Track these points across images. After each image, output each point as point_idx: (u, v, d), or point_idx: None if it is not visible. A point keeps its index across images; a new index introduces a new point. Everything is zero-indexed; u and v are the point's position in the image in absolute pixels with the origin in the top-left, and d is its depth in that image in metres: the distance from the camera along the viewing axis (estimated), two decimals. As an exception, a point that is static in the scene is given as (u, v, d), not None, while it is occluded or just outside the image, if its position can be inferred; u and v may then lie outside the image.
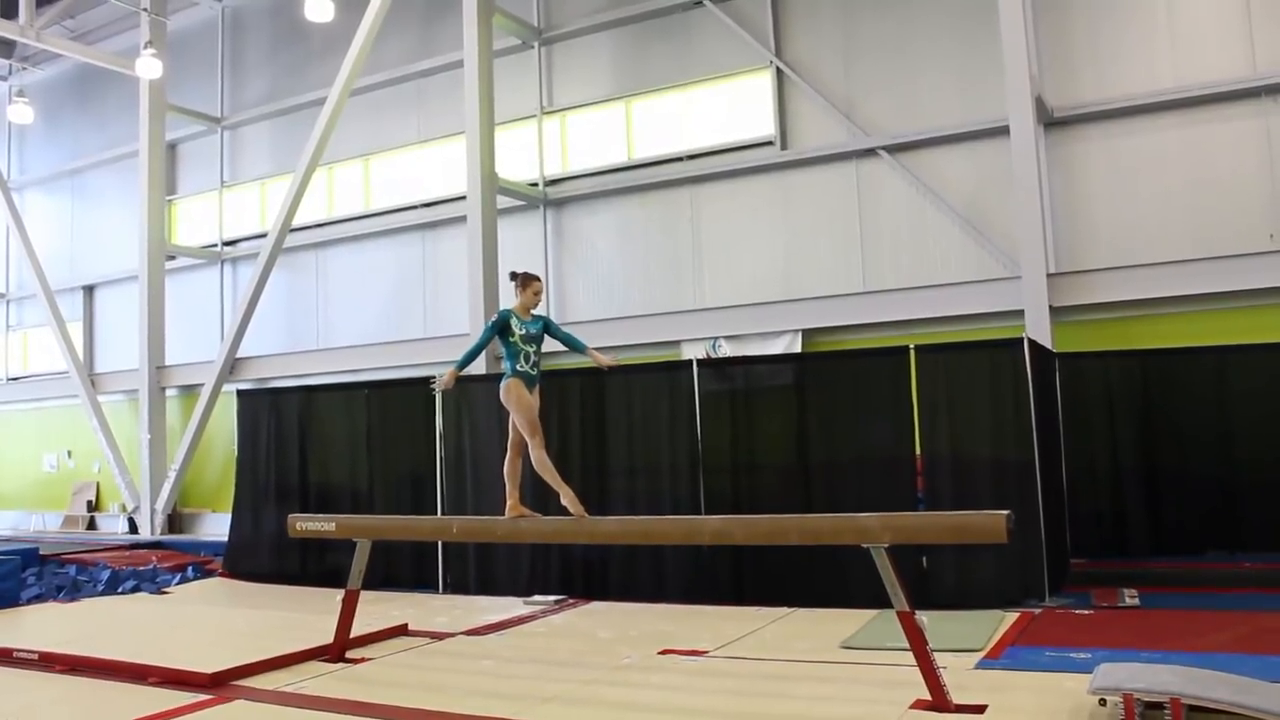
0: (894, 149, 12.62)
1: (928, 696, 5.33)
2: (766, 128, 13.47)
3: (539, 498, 7.98)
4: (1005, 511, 5.26)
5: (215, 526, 16.15)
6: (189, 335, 17.96)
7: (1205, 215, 11.00)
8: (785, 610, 8.45)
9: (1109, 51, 11.59)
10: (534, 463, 7.01)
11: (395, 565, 10.49)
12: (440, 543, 10.41)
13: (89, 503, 19.08)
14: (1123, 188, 11.47)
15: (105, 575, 11.47)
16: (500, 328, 7.12)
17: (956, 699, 5.30)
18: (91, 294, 20.26)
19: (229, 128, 18.55)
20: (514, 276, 7.41)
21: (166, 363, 17.36)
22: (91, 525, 18.86)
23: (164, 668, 6.72)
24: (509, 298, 14.02)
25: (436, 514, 10.45)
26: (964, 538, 5.85)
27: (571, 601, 9.41)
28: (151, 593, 10.99)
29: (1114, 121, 11.51)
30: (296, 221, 15.97)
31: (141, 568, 12.16)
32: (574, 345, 7.39)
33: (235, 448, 12.53)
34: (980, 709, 5.25)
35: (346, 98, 15.02)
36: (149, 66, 16.33)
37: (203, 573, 12.18)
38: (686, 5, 14.07)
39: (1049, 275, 10.69)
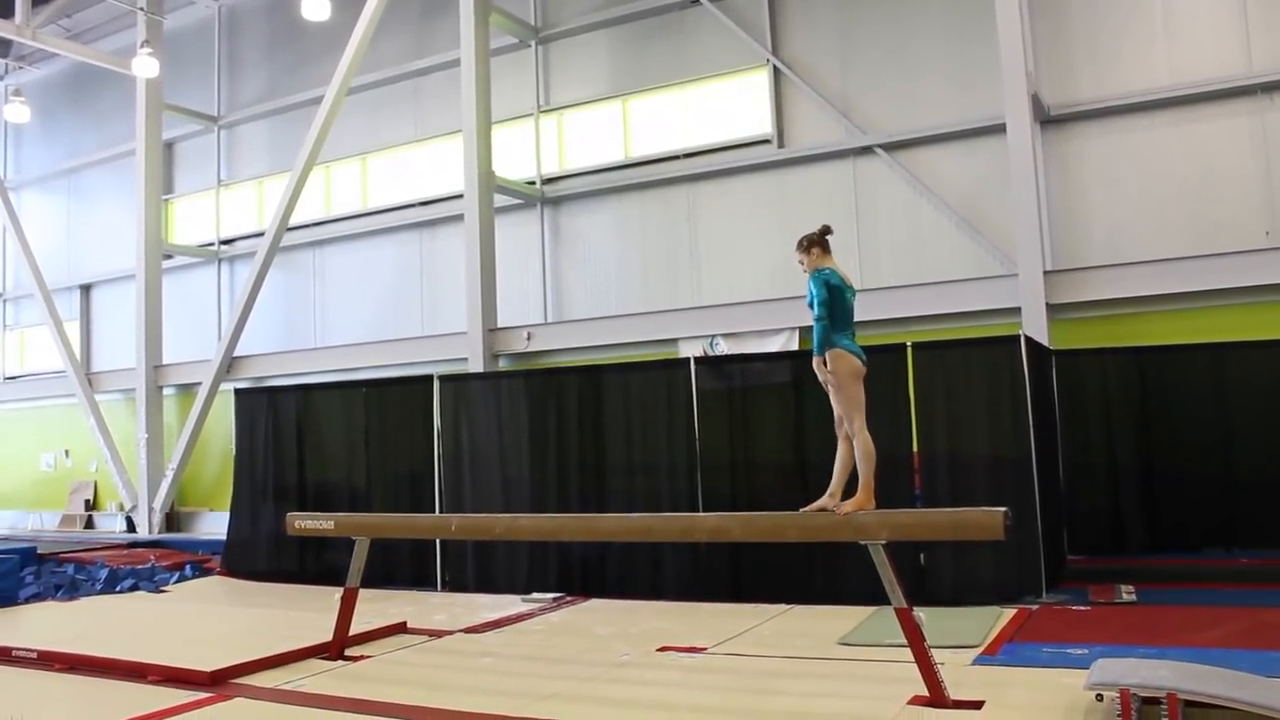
0: (891, 147, 12.63)
1: (925, 693, 5.35)
2: (763, 126, 13.49)
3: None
4: (1002, 508, 5.27)
5: (213, 525, 16.16)
6: (186, 334, 17.97)
7: (1201, 212, 11.03)
8: (783, 607, 8.46)
9: (1106, 50, 11.61)
10: (868, 447, 5.66)
11: (394, 563, 10.49)
12: (439, 540, 10.42)
13: (86, 502, 19.08)
14: (1119, 185, 11.49)
15: (103, 574, 11.47)
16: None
17: (954, 695, 5.32)
18: (88, 293, 20.28)
19: (226, 127, 18.54)
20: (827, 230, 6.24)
21: (164, 361, 17.38)
22: (89, 524, 18.86)
23: (163, 666, 6.73)
24: (507, 296, 14.29)
25: (435, 511, 10.46)
26: (961, 534, 5.85)
27: (570, 599, 9.42)
28: (150, 591, 10.98)
29: (1110, 119, 11.54)
30: (294, 220, 15.97)
31: (140, 566, 12.15)
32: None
33: (233, 446, 12.52)
34: (978, 705, 5.27)
35: (343, 96, 15.03)
36: (145, 65, 16.31)
37: (201, 571, 12.18)
38: (683, 4, 14.07)
39: (1045, 272, 10.72)
